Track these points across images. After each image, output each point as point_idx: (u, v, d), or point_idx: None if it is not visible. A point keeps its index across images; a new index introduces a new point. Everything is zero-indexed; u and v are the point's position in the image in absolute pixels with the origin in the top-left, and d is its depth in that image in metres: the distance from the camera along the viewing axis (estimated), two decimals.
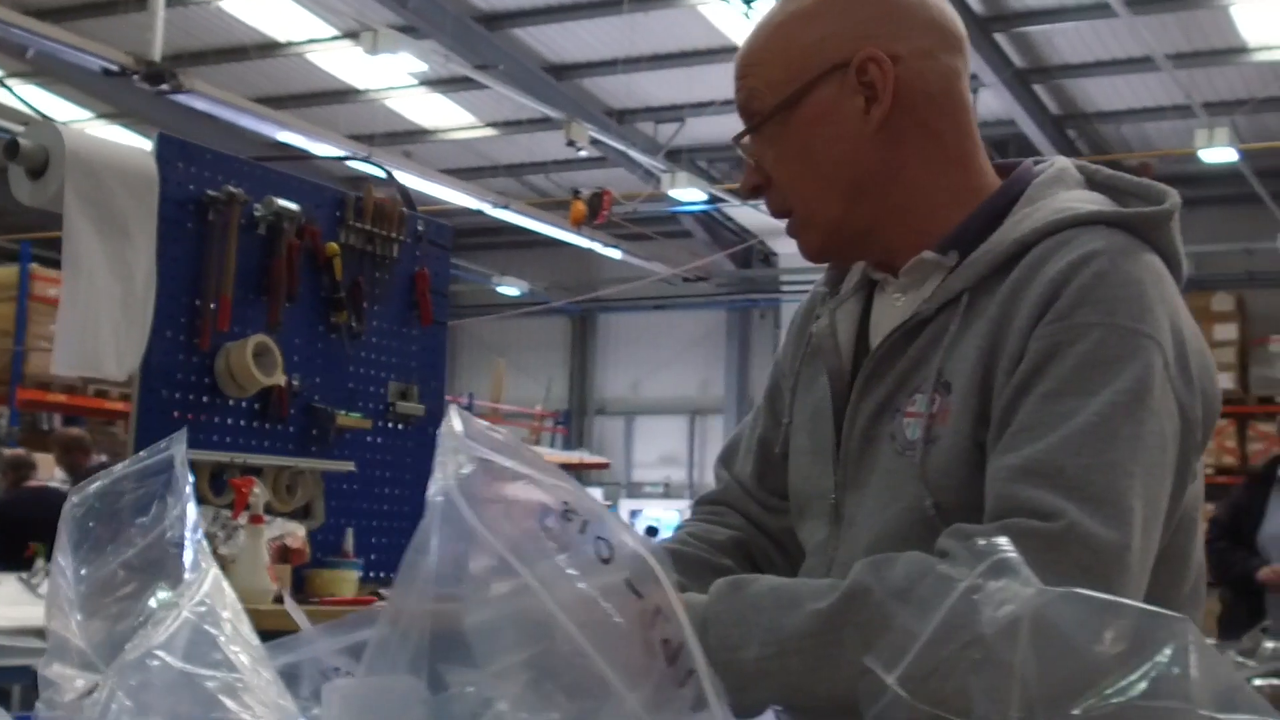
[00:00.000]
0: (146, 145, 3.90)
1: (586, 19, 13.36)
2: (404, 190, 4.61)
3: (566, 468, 16.23)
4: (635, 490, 18.67)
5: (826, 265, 1.73)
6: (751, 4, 11.27)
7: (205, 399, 3.91)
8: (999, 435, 1.40)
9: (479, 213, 14.84)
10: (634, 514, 18.34)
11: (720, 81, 14.17)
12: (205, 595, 1.26)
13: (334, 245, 4.22)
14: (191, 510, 1.51)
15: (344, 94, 15.26)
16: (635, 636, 1.06)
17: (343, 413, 4.23)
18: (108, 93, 12.66)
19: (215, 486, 3.91)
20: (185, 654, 1.19)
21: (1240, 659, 4.10)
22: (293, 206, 4.07)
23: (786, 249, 17.60)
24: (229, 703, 1.25)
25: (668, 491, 18.73)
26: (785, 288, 18.07)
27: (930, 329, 1.51)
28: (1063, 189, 1.54)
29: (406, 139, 15.94)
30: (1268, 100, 13.02)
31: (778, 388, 1.80)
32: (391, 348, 4.45)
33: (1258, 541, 5.75)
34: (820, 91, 1.53)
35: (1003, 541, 1.01)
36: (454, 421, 1.16)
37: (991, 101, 13.90)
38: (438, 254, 4.61)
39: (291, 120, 12.74)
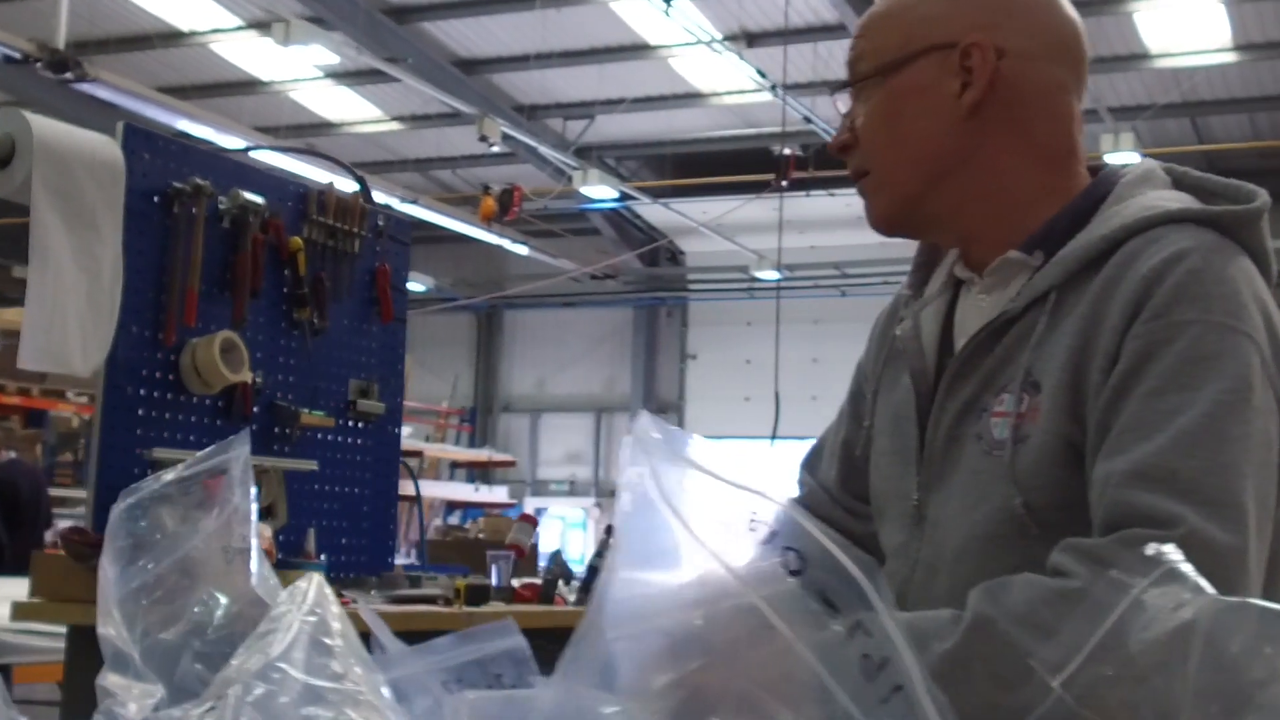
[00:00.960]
0: None
1: (497, 14, 13.29)
2: (363, 182, 4.52)
3: (472, 465, 16.15)
4: (540, 488, 18.61)
5: (909, 273, 1.76)
6: (671, 3, 11.28)
7: (169, 396, 3.80)
8: (1100, 436, 1.39)
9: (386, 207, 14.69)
10: (539, 512, 18.25)
11: (632, 79, 14.18)
12: (315, 604, 1.21)
13: (298, 240, 4.12)
14: (254, 514, 1.46)
15: (249, 85, 15.02)
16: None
17: (306, 411, 4.14)
18: (9, 81, 12.33)
19: None
20: (306, 666, 1.15)
21: None
22: (258, 200, 3.97)
23: (694, 248, 17.66)
24: (354, 715, 1.21)
25: (573, 489, 18.70)
26: (693, 286, 18.13)
27: (1017, 328, 1.51)
28: (1150, 188, 1.55)
29: (311, 131, 15.73)
30: (1169, 106, 13.31)
31: (860, 391, 1.81)
32: (352, 345, 4.37)
33: None
34: (921, 65, 1.57)
35: (1170, 550, 1.01)
36: (647, 425, 1.12)
37: None
38: (398, 249, 4.54)
39: (196, 111, 12.52)
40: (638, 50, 13.95)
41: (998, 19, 1.56)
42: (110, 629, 1.38)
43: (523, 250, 16.07)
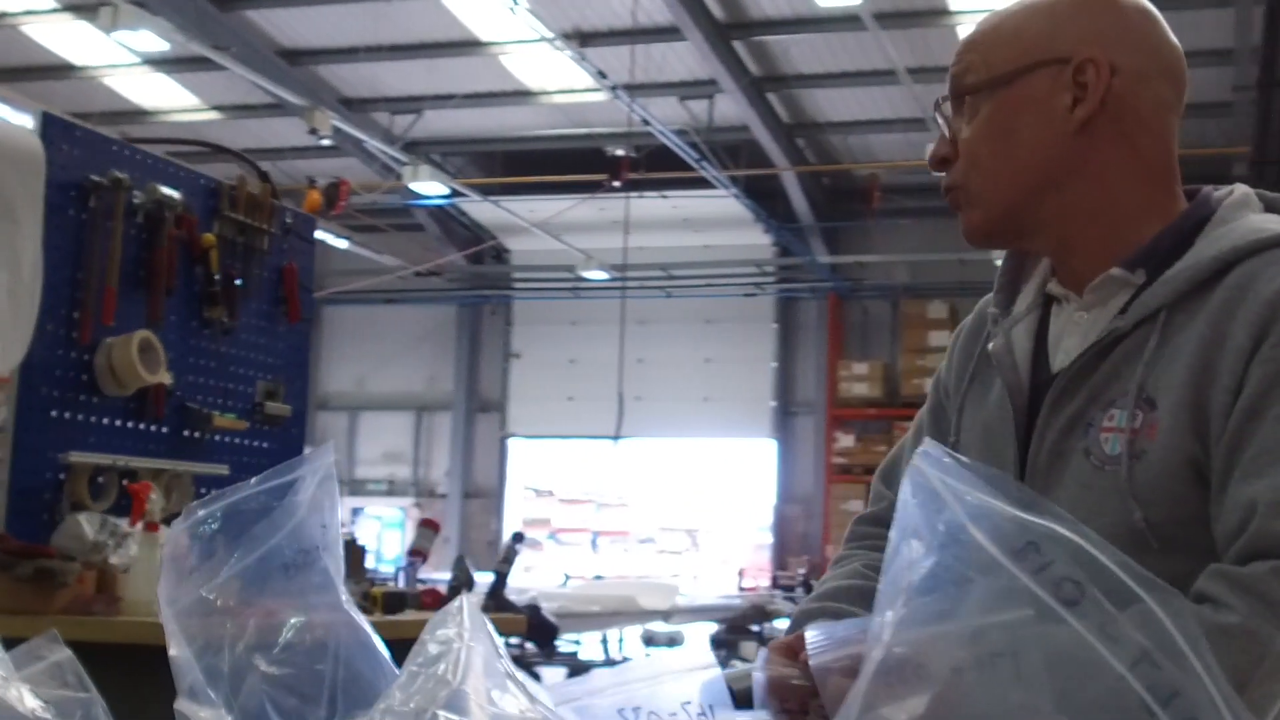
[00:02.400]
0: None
1: (326, 4, 13.05)
2: (266, 177, 4.40)
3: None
4: (358, 488, 18.30)
5: (996, 289, 1.76)
6: (519, 1, 11.22)
7: (83, 398, 3.65)
8: (1231, 458, 1.43)
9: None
10: (356, 512, 17.99)
11: (461, 74, 14.05)
12: (474, 627, 1.19)
13: (210, 236, 4.00)
14: (332, 528, 1.42)
15: (61, 70, 14.46)
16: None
17: (218, 414, 4.01)
18: None
19: (93, 490, 3.65)
20: (488, 695, 1.12)
21: None
22: (175, 194, 3.84)
23: (520, 246, 17.59)
24: None
25: (391, 489, 18.44)
26: (517, 284, 18.05)
27: (1125, 345, 1.54)
28: (1250, 211, 1.59)
29: (126, 119, 15.19)
30: None
31: (941, 405, 1.82)
32: (260, 345, 4.25)
33: None
34: (1035, 78, 1.59)
35: None
36: (933, 450, 1.11)
37: (727, 107, 14.22)
38: (304, 247, 4.43)
39: (4, 94, 12.02)
40: (469, 46, 13.83)
41: (1111, 36, 1.59)
42: (176, 649, 1.33)
43: (343, 244, 15.81)
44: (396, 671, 1.36)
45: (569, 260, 16.48)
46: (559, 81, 14.36)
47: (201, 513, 1.43)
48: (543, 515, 18.28)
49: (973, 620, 1.09)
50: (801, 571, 15.73)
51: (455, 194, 15.34)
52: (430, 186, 14.30)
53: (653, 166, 14.18)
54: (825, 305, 16.80)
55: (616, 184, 13.71)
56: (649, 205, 15.12)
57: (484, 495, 18.25)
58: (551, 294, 17.46)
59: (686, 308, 16.71)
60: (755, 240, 16.72)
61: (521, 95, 14.77)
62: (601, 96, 14.26)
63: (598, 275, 16.43)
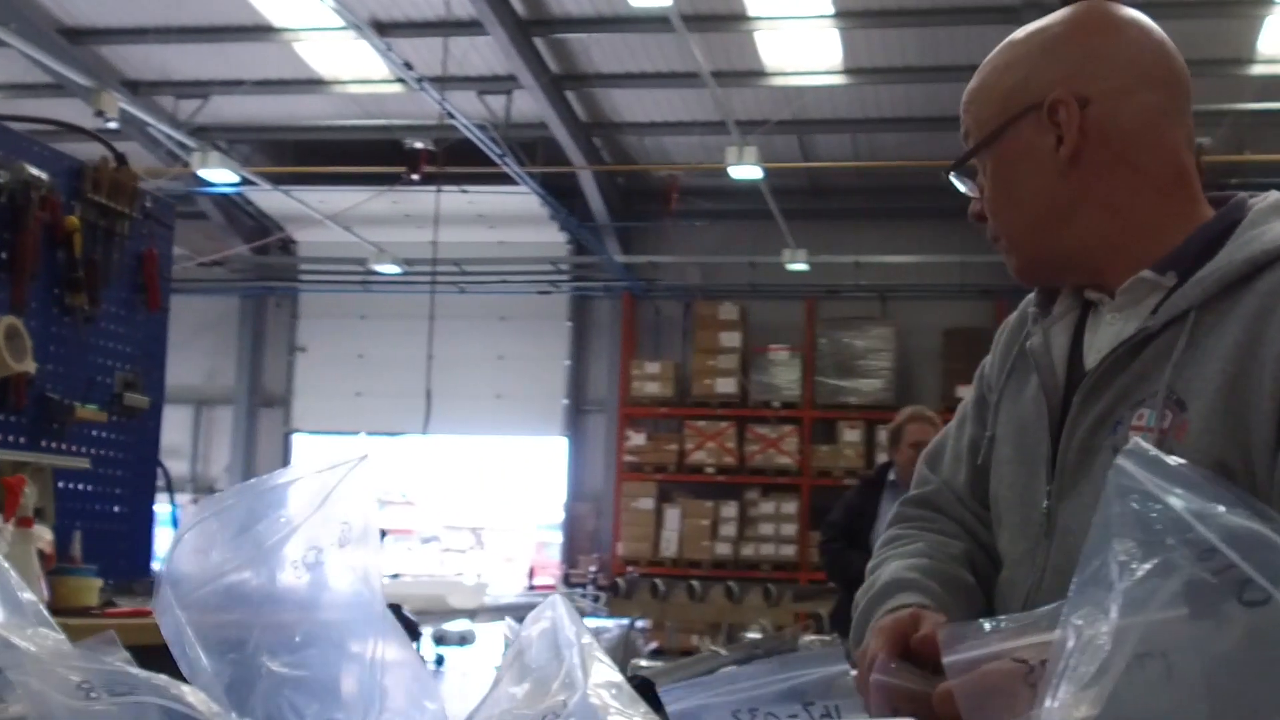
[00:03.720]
0: None
1: None
2: (123, 160, 4.21)
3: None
4: None
5: (1035, 291, 1.80)
6: None
7: None
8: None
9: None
10: None
11: (251, 60, 13.70)
12: (573, 626, 1.17)
13: (74, 219, 3.81)
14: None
15: None
16: None
17: (80, 404, 3.82)
18: None
19: None
20: (610, 698, 1.10)
21: None
22: (42, 175, 3.64)
23: (308, 237, 17.21)
24: None
25: (168, 485, 17.79)
26: (304, 277, 17.64)
27: (1155, 345, 1.59)
28: None
29: None
30: (783, 123, 14.00)
31: (984, 398, 1.86)
32: (119, 334, 4.06)
33: (870, 542, 6.17)
34: (1018, 130, 1.66)
35: None
36: (1138, 449, 1.11)
37: (526, 104, 14.18)
38: (163, 233, 4.25)
39: None
40: (261, 31, 13.48)
41: (1077, 68, 1.64)
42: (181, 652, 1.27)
43: None
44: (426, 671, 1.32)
45: (359, 253, 16.20)
46: (354, 71, 14.10)
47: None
48: None
49: (1150, 617, 1.10)
50: (592, 569, 15.80)
51: (245, 182, 14.93)
52: (220, 174, 13.89)
53: (451, 161, 14.04)
54: (619, 304, 16.90)
55: (416, 177, 13.54)
56: (444, 200, 14.97)
57: None
58: (340, 287, 17.13)
59: (480, 304, 16.60)
60: (550, 238, 16.72)
61: (315, 84, 14.45)
62: (398, 88, 14.06)
63: (389, 269, 16.19)
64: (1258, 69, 12.76)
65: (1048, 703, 0.94)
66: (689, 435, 16.04)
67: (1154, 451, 1.08)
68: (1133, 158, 1.63)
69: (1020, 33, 1.72)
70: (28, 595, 1.04)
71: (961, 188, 1.75)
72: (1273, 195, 1.69)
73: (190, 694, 1.02)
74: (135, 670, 1.02)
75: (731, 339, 15.96)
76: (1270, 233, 1.58)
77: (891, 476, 6.20)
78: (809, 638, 4.80)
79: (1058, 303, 1.76)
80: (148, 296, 4.14)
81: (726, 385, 15.95)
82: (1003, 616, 1.23)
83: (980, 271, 15.90)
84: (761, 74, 13.77)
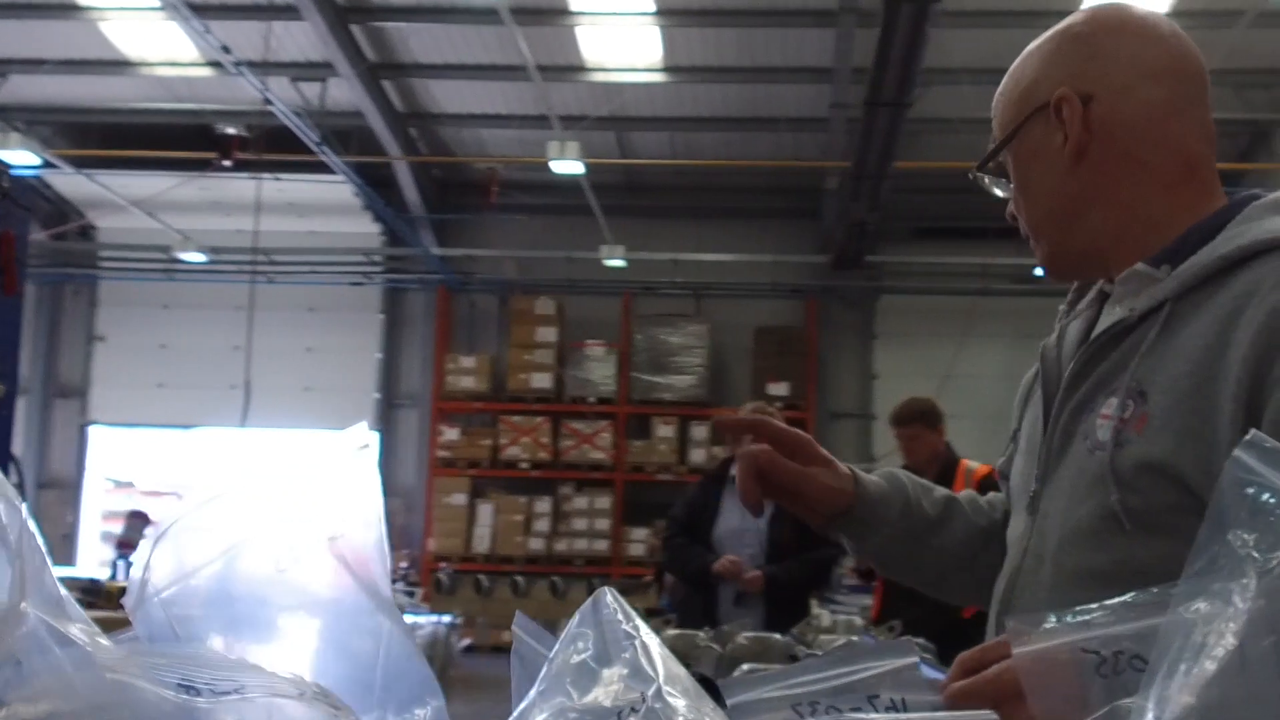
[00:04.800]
0: None
1: None
2: None
3: None
4: None
5: (1072, 289, 1.86)
6: None
7: None
8: None
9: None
10: None
11: (54, 39, 13.20)
12: (630, 621, 1.15)
13: None
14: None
15: None
16: None
17: None
18: None
19: None
20: (683, 695, 1.09)
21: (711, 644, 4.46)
22: None
23: (110, 223, 16.61)
24: None
25: (20, 481, 16.99)
26: (104, 264, 17.01)
27: (1132, 337, 1.64)
28: (1278, 214, 1.65)
29: None
30: (602, 119, 14.00)
31: (1024, 396, 1.92)
32: None
33: (713, 537, 6.19)
34: (1030, 130, 1.73)
35: None
36: (1257, 440, 1.09)
37: (341, 93, 13.93)
38: (21, 215, 4.03)
39: None
40: (64, 9, 12.96)
41: (1081, 66, 1.70)
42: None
43: None
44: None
45: (164, 240, 15.72)
46: (164, 53, 13.66)
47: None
48: (123, 508, 17.35)
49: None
50: (403, 565, 15.60)
51: (46, 165, 14.34)
52: (20, 156, 13.29)
53: (269, 147, 13.70)
54: (433, 297, 16.71)
55: (228, 163, 13.18)
56: (254, 187, 14.62)
57: (60, 486, 17.15)
58: (143, 276, 16.58)
59: (289, 295, 16.24)
60: (363, 229, 16.45)
61: (121, 65, 13.95)
62: (208, 71, 13.67)
63: (195, 258, 15.74)
64: None
65: (1153, 695, 0.93)
66: (504, 430, 15.96)
67: (1271, 443, 1.08)
68: (1138, 152, 1.68)
69: (1041, 37, 1.78)
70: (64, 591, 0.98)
71: (995, 190, 1.81)
72: (1276, 194, 1.71)
73: (311, 689, 0.96)
74: (245, 665, 0.96)
75: (548, 334, 15.93)
76: (1253, 230, 1.60)
77: (733, 472, 6.23)
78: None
79: (1082, 300, 1.83)
80: (4, 280, 3.92)
81: (542, 380, 15.91)
82: (1069, 609, 1.25)
83: (792, 271, 16.16)
84: (582, 69, 13.75)
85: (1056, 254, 1.77)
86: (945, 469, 6.31)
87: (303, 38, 13.09)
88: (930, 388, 14.02)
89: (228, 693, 0.91)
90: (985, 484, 6.27)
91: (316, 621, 1.28)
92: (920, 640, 4.90)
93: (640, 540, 15.38)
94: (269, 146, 13.85)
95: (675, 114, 14.72)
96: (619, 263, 15.49)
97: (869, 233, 14.73)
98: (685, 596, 6.19)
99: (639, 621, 1.11)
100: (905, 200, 14.60)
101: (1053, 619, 1.17)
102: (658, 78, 13.87)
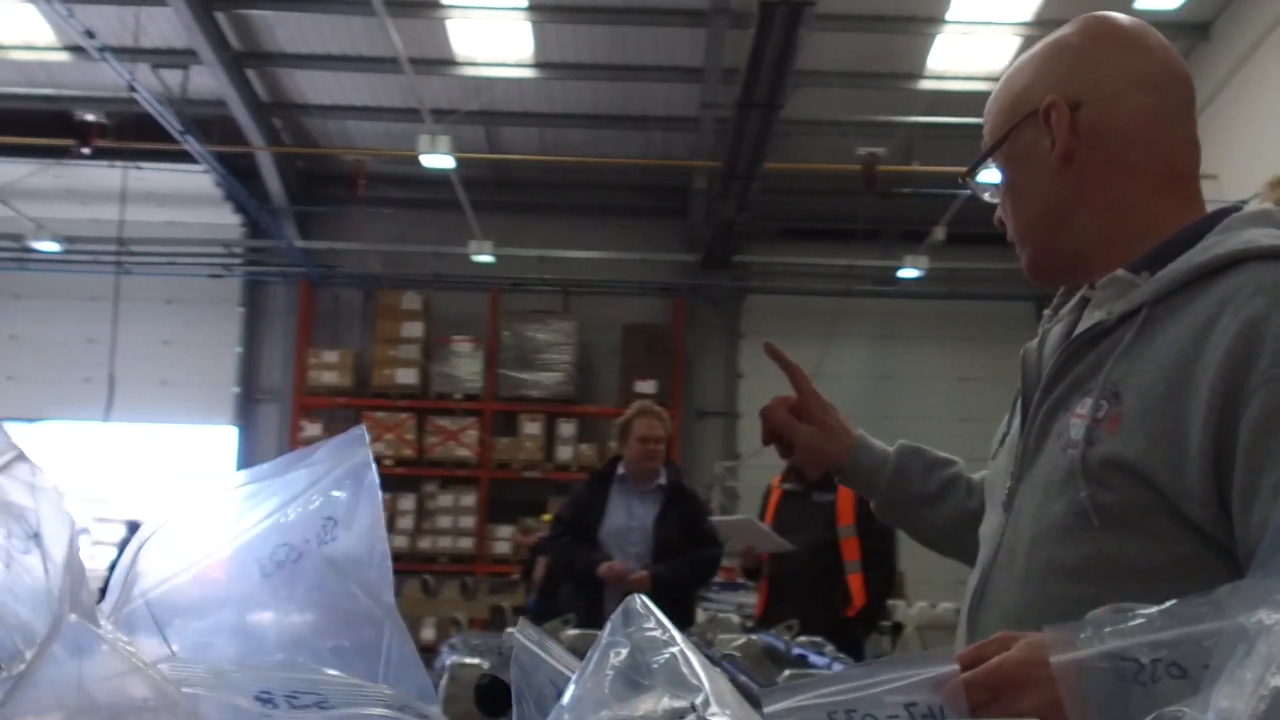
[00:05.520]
0: None
1: None
2: None
3: None
4: None
5: (1058, 295, 1.92)
6: None
7: None
8: (1255, 477, 1.52)
9: None
10: None
11: None
12: (666, 629, 1.15)
13: None
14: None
15: None
16: None
17: None
18: None
19: None
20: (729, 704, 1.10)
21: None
22: None
23: None
24: None
25: None
26: None
27: (1110, 339, 1.68)
28: (1259, 226, 1.69)
29: None
30: (471, 113, 13.88)
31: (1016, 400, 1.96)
32: None
33: (599, 536, 6.18)
34: (1020, 135, 1.79)
35: None
36: None
37: (204, 81, 13.65)
38: None
39: None
40: None
41: (1070, 74, 1.76)
42: None
43: None
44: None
45: (16, 229, 15.24)
46: (19, 37, 13.23)
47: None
48: None
49: None
50: None
51: None
52: None
53: (130, 135, 13.36)
54: (295, 290, 16.43)
55: (86, 151, 12.81)
56: (111, 176, 14.26)
57: None
58: None
59: (145, 286, 15.80)
60: (223, 220, 16.11)
61: None
62: (65, 56, 13.29)
63: (49, 247, 15.28)
64: (927, 84, 13.43)
65: (1214, 702, 0.93)
66: (367, 426, 15.69)
67: None
68: (1126, 158, 1.73)
69: (1034, 46, 1.84)
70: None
71: (984, 195, 1.88)
72: (1263, 205, 1.78)
73: (396, 699, 0.92)
74: (325, 675, 0.92)
75: (414, 329, 15.77)
76: (1231, 241, 1.64)
77: (621, 470, 6.24)
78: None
79: (1066, 303, 1.88)
80: None
81: (408, 376, 15.75)
82: (1106, 618, 1.26)
83: (661, 269, 16.22)
84: (452, 63, 13.63)
85: (1042, 258, 1.82)
86: None
87: (165, 24, 12.77)
88: None
89: (307, 705, 0.88)
90: None
91: (314, 626, 1.26)
92: (817, 638, 4.97)
93: (505, 539, 15.32)
94: (128, 134, 13.51)
95: (545, 110, 14.68)
96: (487, 258, 15.40)
97: (737, 233, 14.85)
98: (571, 596, 6.17)
99: (673, 629, 1.11)
100: (772, 201, 14.73)
101: (1089, 629, 1.18)
102: (528, 73, 13.81)
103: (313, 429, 15.75)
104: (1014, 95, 1.80)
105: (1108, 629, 1.17)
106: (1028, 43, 10.65)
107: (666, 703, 1.05)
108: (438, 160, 12.98)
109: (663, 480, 6.23)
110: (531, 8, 12.61)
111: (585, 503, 6.31)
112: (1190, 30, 12.22)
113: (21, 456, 0.98)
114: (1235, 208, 1.75)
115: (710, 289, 16.27)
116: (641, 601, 1.15)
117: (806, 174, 14.23)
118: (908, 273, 15.22)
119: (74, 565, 0.91)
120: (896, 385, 15.67)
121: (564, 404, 15.81)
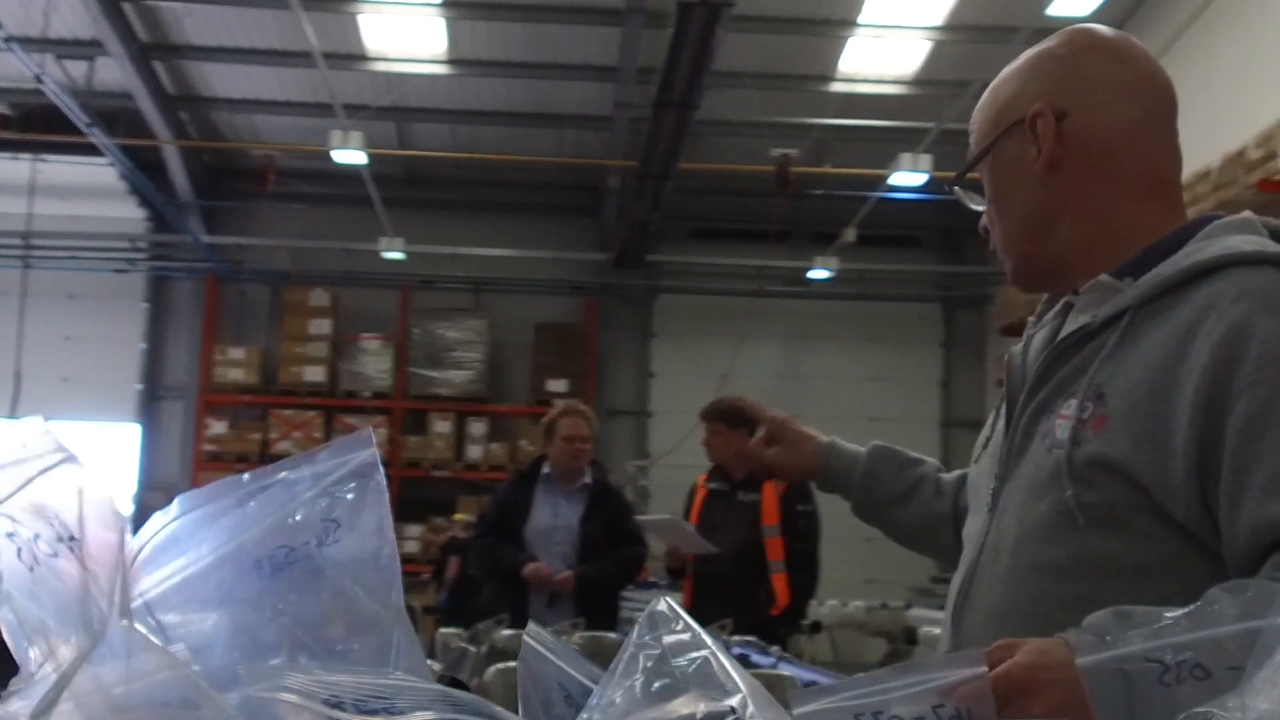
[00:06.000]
0: None
1: None
2: None
3: None
4: None
5: (1042, 302, 1.93)
6: None
7: None
8: (1241, 479, 1.55)
9: None
10: None
11: None
12: (693, 631, 1.16)
13: None
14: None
15: None
16: None
17: None
18: None
19: None
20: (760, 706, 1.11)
21: (466, 644, 4.45)
22: None
23: None
24: None
25: None
26: None
27: (1094, 342, 1.71)
28: (1241, 233, 1.72)
29: None
30: (383, 109, 13.77)
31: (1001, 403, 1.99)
32: None
33: (524, 536, 6.14)
34: (1007, 143, 1.81)
35: None
36: None
37: (110, 73, 13.41)
38: None
39: None
40: None
41: (1057, 84, 1.78)
42: None
43: None
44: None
45: None
46: None
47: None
48: None
49: None
50: None
51: None
52: None
53: (29, 127, 13.09)
54: (201, 286, 16.19)
55: None
56: (12, 168, 13.99)
57: None
58: None
59: (46, 281, 15.51)
60: (128, 214, 15.84)
61: None
62: None
63: None
64: (839, 86, 13.54)
65: (1261, 701, 0.95)
66: (274, 424, 15.60)
67: None
68: (1110, 167, 1.75)
69: (1020, 56, 1.86)
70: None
71: (969, 203, 1.89)
72: (1243, 214, 1.79)
73: (469, 702, 0.90)
74: (394, 679, 0.89)
75: (322, 326, 15.62)
76: (1214, 247, 1.67)
77: (546, 470, 6.20)
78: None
79: (1051, 310, 1.89)
80: None
81: (315, 373, 15.59)
82: (1132, 620, 1.28)
83: (573, 268, 16.20)
84: (363, 58, 13.51)
85: (1026, 265, 1.84)
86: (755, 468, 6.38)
87: (70, 14, 12.53)
88: (709, 387, 14.27)
89: (375, 711, 0.87)
90: (795, 482, 6.41)
91: (316, 628, 1.24)
92: (751, 637, 4.99)
93: (414, 538, 15.20)
94: (33, 126, 13.25)
95: (459, 106, 14.60)
96: (398, 255, 15.28)
97: (650, 232, 14.87)
98: (495, 596, 6.11)
99: (701, 632, 1.11)
100: (686, 201, 14.77)
101: (1115, 634, 1.20)
102: (442, 69, 13.73)
103: (218, 427, 15.55)
104: (1000, 104, 1.82)
105: (1132, 633, 1.19)
106: (938, 47, 10.82)
107: (704, 706, 1.05)
108: (349, 156, 12.86)
109: (588, 479, 6.20)
110: (445, 4, 12.54)
111: (510, 502, 6.26)
112: None
113: (70, 459, 0.96)
114: (1215, 215, 1.78)
115: (623, 288, 16.28)
116: (668, 604, 1.15)
117: (720, 174, 14.29)
118: (818, 274, 15.34)
119: (121, 569, 0.89)
120: (806, 385, 15.78)
121: (474, 403, 15.74)
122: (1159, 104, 1.80)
